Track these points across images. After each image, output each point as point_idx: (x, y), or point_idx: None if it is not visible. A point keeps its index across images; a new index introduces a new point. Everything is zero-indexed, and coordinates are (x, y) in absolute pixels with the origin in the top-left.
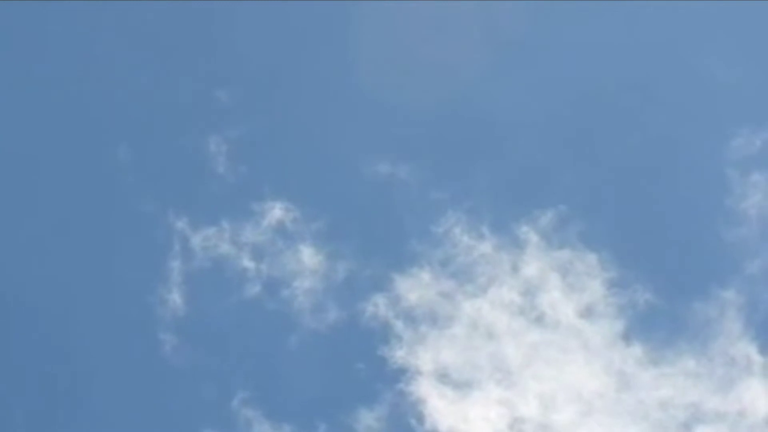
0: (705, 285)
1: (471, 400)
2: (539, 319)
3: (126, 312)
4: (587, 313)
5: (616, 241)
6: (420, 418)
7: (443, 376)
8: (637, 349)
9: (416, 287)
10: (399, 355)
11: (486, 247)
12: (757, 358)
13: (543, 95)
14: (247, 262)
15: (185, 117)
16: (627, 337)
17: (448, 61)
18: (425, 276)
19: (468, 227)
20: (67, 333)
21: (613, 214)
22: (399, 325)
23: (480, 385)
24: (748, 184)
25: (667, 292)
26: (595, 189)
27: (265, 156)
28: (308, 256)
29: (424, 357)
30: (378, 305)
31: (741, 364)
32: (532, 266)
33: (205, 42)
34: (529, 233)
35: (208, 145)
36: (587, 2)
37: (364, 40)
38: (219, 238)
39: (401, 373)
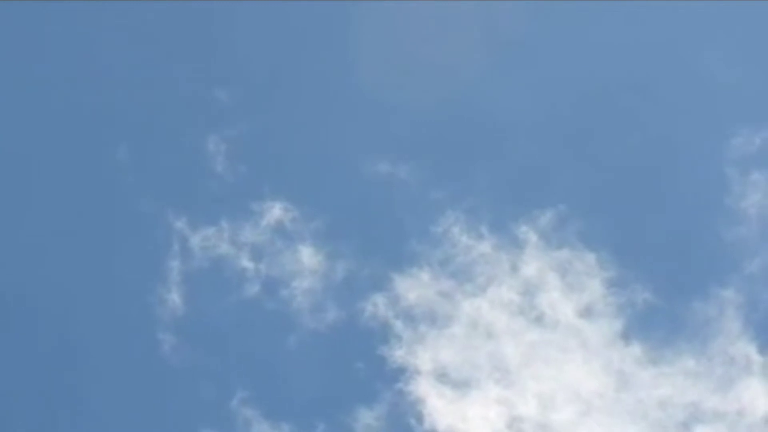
0: (704, 284)
1: (470, 399)
2: (538, 319)
3: (125, 312)
4: (586, 312)
5: (616, 241)
6: (419, 418)
7: (442, 376)
8: (636, 349)
9: (415, 287)
10: (398, 354)
11: (485, 246)
12: (756, 357)
13: (543, 95)
14: (246, 262)
15: (184, 117)
16: (626, 336)
17: (448, 61)
18: (424, 276)
19: (467, 227)
20: (67, 333)
21: (612, 214)
22: (398, 325)
23: (479, 384)
24: (748, 184)
25: (667, 291)
26: (595, 189)
27: (265, 156)
28: (307, 255)
29: (423, 356)
30: (377, 305)
31: (740, 364)
32: (532, 266)
33: (205, 42)
34: (528, 233)
35: (207, 145)
36: (587, 2)
37: (364, 40)
38: (218, 237)
39: (400, 373)
